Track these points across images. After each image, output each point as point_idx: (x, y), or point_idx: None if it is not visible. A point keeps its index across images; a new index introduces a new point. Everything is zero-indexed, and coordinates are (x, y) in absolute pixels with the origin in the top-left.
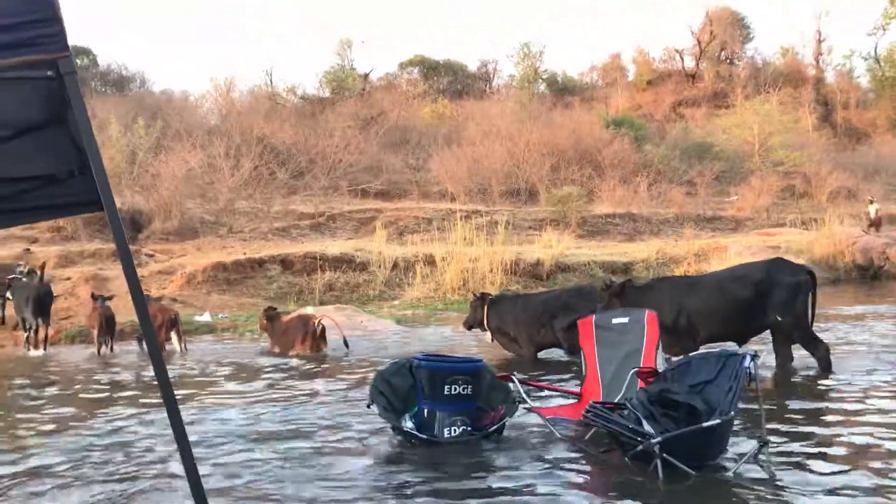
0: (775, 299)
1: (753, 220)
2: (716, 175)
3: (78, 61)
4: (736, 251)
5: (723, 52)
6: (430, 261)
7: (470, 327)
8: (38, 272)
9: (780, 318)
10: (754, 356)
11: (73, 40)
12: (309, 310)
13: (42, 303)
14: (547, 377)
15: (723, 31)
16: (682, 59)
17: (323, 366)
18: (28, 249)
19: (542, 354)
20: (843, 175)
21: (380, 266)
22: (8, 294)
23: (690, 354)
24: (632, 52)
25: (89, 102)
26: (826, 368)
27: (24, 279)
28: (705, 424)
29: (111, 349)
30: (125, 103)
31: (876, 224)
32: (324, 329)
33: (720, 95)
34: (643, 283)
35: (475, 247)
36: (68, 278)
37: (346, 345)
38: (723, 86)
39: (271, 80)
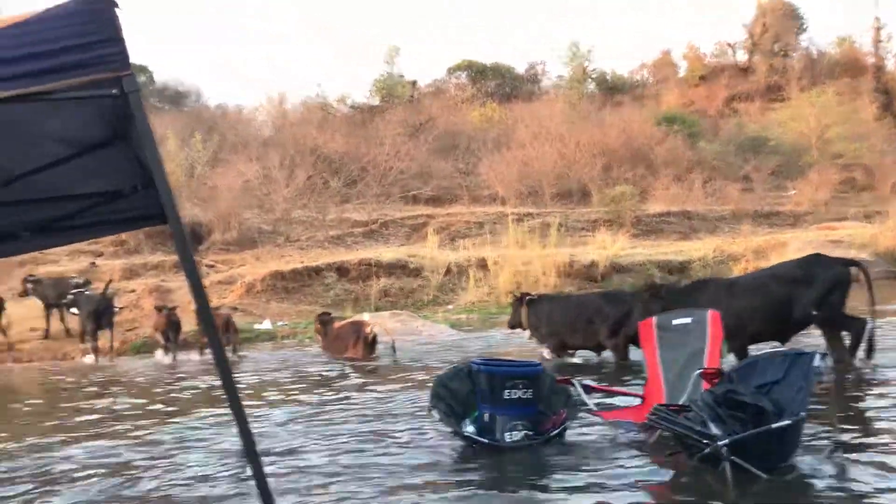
0: (812, 295)
1: (813, 215)
2: (772, 170)
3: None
4: (796, 247)
5: (776, 45)
6: (482, 265)
7: (513, 327)
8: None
9: (816, 313)
10: (824, 355)
11: (131, 58)
12: (365, 316)
13: (104, 314)
14: (607, 380)
15: (776, 22)
16: (734, 52)
17: (380, 370)
18: (94, 263)
19: (602, 357)
20: None
21: (433, 271)
22: (73, 309)
23: (755, 354)
24: (682, 48)
25: (149, 118)
26: (855, 346)
27: (87, 292)
28: (775, 426)
29: (174, 357)
30: (182, 118)
31: None
32: (375, 336)
33: (775, 88)
34: (683, 285)
35: (528, 249)
36: (132, 290)
37: (394, 350)
38: (777, 79)
39: (322, 91)
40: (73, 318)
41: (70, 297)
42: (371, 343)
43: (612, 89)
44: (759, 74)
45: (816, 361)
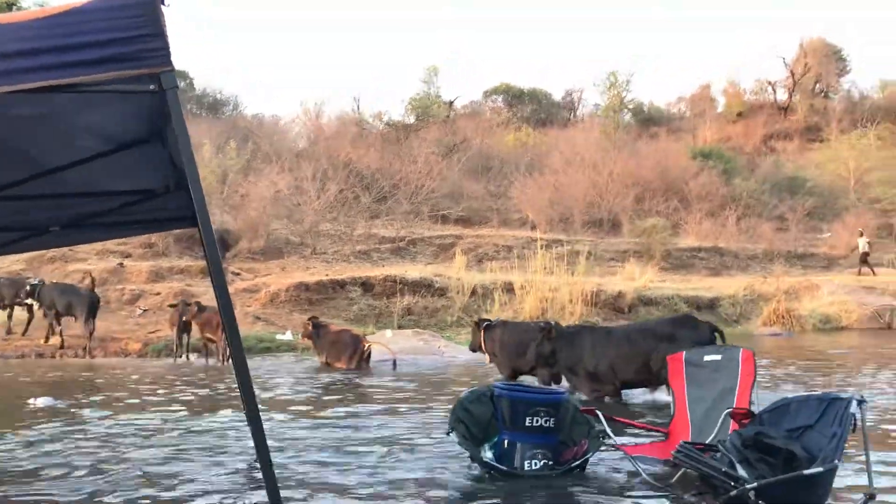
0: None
1: (847, 259)
2: (808, 211)
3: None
4: (829, 290)
5: (817, 85)
6: (508, 288)
7: (473, 350)
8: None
9: None
10: (861, 401)
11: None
12: (388, 333)
13: (92, 309)
14: (632, 416)
15: (818, 63)
16: (774, 91)
17: (392, 387)
18: (121, 264)
19: (627, 393)
20: None
21: (458, 292)
22: (29, 300)
23: (790, 397)
24: (722, 83)
25: (187, 123)
26: None
27: (79, 287)
28: (806, 472)
29: (187, 357)
30: (218, 125)
31: (864, 257)
32: (370, 351)
33: (814, 129)
34: (568, 329)
35: (555, 276)
36: (158, 293)
37: (395, 366)
38: (817, 119)
39: (359, 107)
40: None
41: (28, 288)
42: (367, 358)
43: (649, 120)
44: (798, 114)
45: (853, 408)
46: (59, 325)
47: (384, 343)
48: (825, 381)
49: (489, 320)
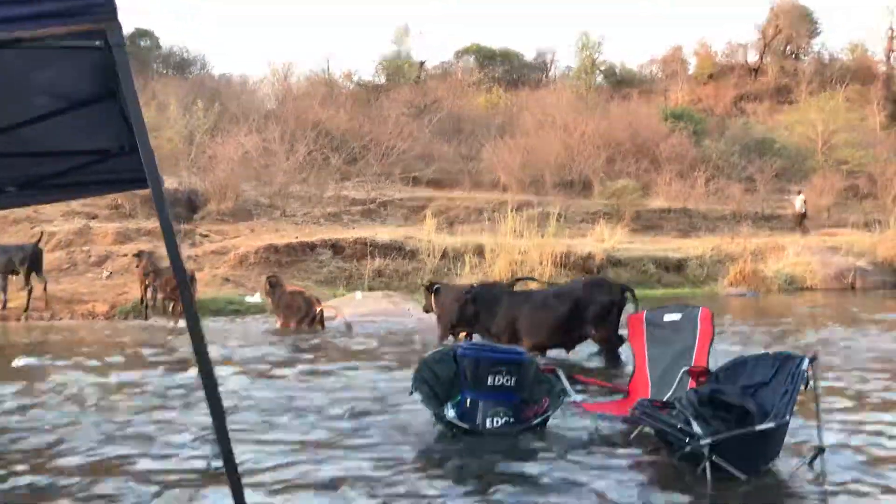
0: (591, 315)
1: (814, 220)
2: (776, 172)
3: (141, 42)
4: (795, 251)
5: (788, 47)
6: (479, 251)
7: (426, 312)
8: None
9: (594, 332)
10: (813, 359)
11: (137, 22)
12: (358, 295)
13: (34, 263)
14: (593, 374)
15: (788, 24)
16: (745, 53)
17: (358, 349)
18: (88, 226)
19: (589, 350)
20: None
21: (429, 255)
22: None
23: (745, 355)
24: (693, 45)
25: (150, 84)
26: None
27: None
28: (759, 427)
29: (145, 317)
30: (185, 86)
31: (800, 218)
32: (322, 313)
33: (784, 91)
34: (490, 290)
35: (525, 238)
36: (125, 255)
37: (349, 328)
38: (787, 81)
39: (328, 67)
40: None
41: None
42: (321, 321)
43: (621, 82)
44: (768, 76)
45: (804, 365)
46: (5, 283)
47: (336, 307)
48: (784, 339)
49: (437, 283)
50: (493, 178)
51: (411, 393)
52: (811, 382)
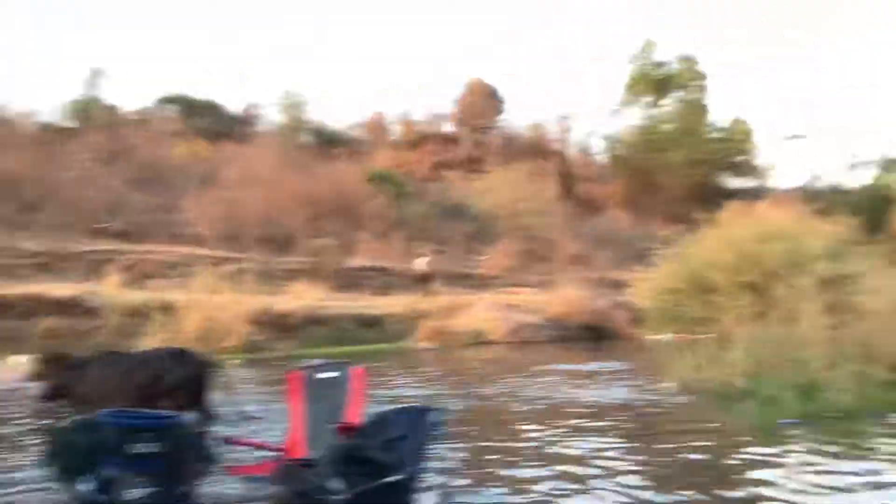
0: (169, 384)
1: (500, 279)
2: (470, 235)
3: None
4: (482, 307)
5: (478, 121)
6: (170, 308)
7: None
8: None
9: (170, 403)
10: (439, 410)
11: None
12: (21, 360)
13: None
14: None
15: (478, 100)
16: (441, 123)
17: None
18: None
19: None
20: (579, 242)
21: (112, 312)
22: None
23: (386, 409)
24: (396, 112)
25: None
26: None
27: None
28: (386, 480)
29: None
30: None
31: (425, 279)
32: None
33: (476, 161)
34: (82, 356)
35: (222, 295)
36: None
37: None
38: (479, 153)
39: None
40: None
41: None
42: None
43: (329, 142)
44: (464, 146)
45: (431, 417)
46: None
47: None
48: (451, 390)
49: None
50: (190, 230)
51: (43, 467)
52: (440, 433)
